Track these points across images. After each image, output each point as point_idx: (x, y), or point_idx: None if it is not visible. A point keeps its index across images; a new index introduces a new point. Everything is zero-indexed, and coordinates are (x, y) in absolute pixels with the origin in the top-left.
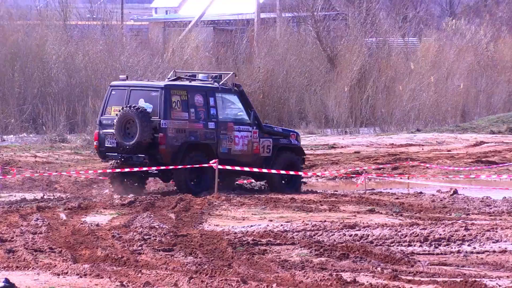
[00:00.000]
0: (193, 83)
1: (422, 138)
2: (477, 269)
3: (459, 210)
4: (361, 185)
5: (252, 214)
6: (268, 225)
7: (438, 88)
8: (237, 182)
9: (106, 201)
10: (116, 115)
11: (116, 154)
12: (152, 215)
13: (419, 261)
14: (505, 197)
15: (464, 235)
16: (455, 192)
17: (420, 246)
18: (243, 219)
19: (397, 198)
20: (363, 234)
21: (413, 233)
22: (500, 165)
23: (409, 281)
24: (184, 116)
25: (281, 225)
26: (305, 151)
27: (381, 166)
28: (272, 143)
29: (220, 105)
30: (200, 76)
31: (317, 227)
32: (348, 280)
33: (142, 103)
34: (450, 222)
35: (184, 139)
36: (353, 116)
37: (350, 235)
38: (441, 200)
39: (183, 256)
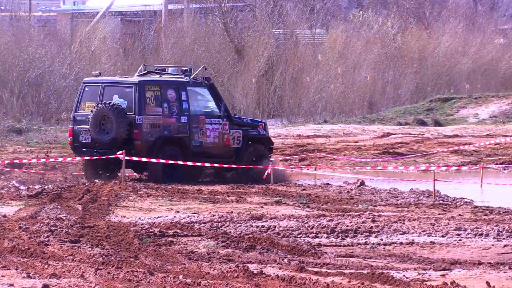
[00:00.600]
0: (165, 77)
1: (329, 129)
2: (384, 260)
3: (366, 201)
4: (268, 176)
5: (159, 205)
6: (175, 217)
7: (346, 80)
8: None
9: (13, 192)
10: (91, 111)
11: (91, 149)
12: (59, 206)
13: (326, 252)
14: (412, 189)
15: (371, 227)
16: (362, 183)
17: (327, 237)
18: (150, 210)
19: (304, 190)
20: (270, 226)
21: (320, 224)
22: (407, 156)
23: (316, 273)
24: (158, 111)
25: (188, 216)
26: None
27: (288, 157)
28: (241, 134)
29: (191, 98)
30: (169, 69)
31: (224, 218)
32: (255, 271)
33: (116, 99)
34: (357, 213)
35: (158, 133)
36: (261, 107)
37: (257, 227)
38: (348, 192)
39: (89, 247)
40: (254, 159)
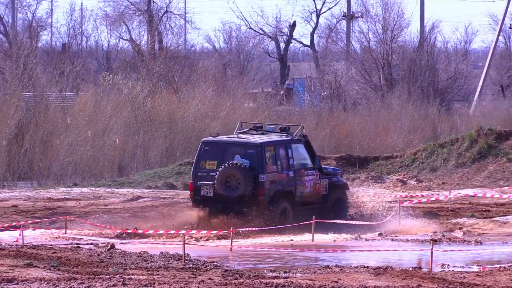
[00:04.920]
0: (276, 137)
1: (80, 192)
2: None
3: (116, 264)
4: (19, 238)
5: None
6: None
7: (96, 143)
8: None
9: None
10: (217, 169)
11: (213, 202)
12: None
13: None
14: (162, 252)
15: None
16: (112, 246)
17: None
18: None
19: (54, 252)
20: None
21: (71, 287)
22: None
23: None
24: (274, 168)
25: None
26: None
27: (38, 220)
28: (328, 182)
29: (294, 154)
30: (267, 127)
31: None
32: None
33: (238, 159)
34: (107, 276)
35: (275, 189)
36: (11, 170)
37: None
38: (98, 255)
39: None
40: (334, 202)
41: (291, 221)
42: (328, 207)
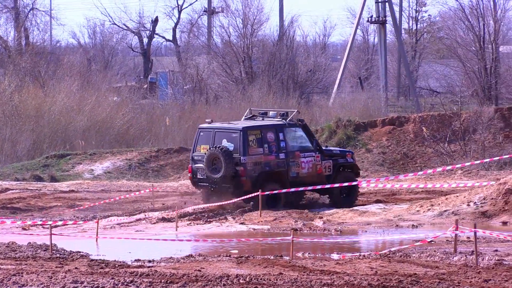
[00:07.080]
0: (264, 122)
1: None
2: None
3: None
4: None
5: None
6: None
7: None
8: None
9: None
10: (205, 153)
11: (207, 184)
12: None
13: None
14: (30, 243)
15: None
16: None
17: None
18: None
19: None
20: None
21: None
22: (25, 211)
23: None
24: (259, 151)
25: None
26: None
27: None
28: (332, 164)
29: (288, 137)
30: (270, 113)
31: None
32: None
33: (225, 142)
34: None
35: (260, 169)
36: None
37: None
38: None
39: None
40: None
41: (285, 200)
42: (336, 188)
